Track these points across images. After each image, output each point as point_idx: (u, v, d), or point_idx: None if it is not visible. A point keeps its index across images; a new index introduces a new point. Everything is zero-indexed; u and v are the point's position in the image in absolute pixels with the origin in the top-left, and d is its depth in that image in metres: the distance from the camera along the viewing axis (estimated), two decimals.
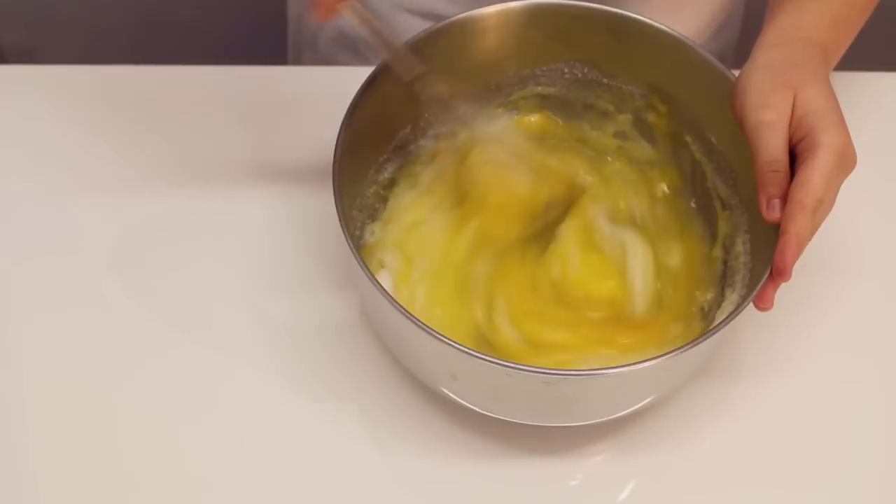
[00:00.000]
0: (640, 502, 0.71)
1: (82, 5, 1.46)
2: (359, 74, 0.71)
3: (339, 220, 0.65)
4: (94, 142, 0.86)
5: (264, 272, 0.79)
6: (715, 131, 0.77)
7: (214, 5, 1.46)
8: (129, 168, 0.84)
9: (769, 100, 0.65)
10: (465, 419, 0.73)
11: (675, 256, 0.77)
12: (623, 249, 0.77)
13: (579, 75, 0.81)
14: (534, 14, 0.76)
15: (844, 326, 0.79)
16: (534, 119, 0.83)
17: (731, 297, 0.73)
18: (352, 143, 0.69)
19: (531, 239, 0.77)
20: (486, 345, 0.72)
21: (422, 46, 0.72)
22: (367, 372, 0.75)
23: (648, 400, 0.69)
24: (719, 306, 0.73)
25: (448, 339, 0.61)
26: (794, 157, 0.65)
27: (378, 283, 0.63)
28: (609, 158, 0.82)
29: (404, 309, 0.62)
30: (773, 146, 0.64)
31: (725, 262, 0.76)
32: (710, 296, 0.75)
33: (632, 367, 0.61)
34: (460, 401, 0.69)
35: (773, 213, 0.63)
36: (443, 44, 0.74)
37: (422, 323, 0.61)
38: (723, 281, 0.75)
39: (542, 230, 0.77)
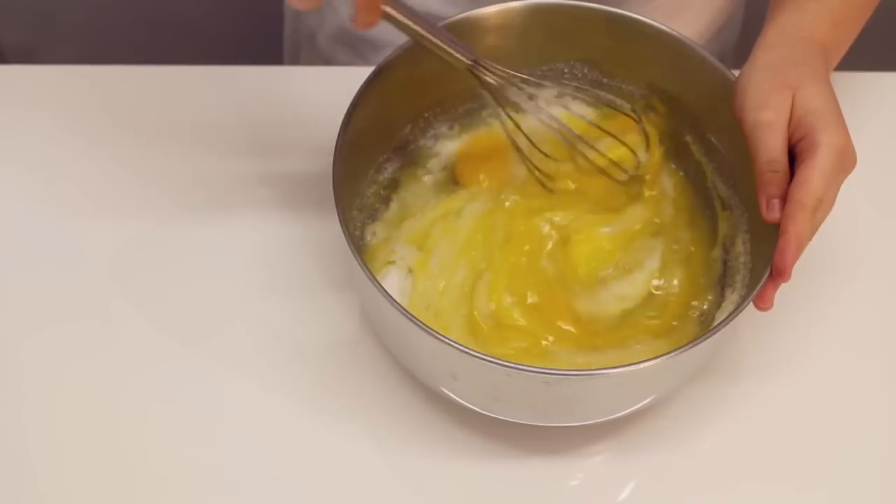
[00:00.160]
0: (640, 502, 0.71)
1: (82, 5, 1.46)
2: (359, 74, 0.71)
3: (340, 221, 0.65)
4: (95, 142, 0.86)
5: (263, 273, 0.79)
6: (715, 131, 0.77)
7: (214, 5, 1.46)
8: (128, 168, 0.84)
9: (768, 100, 0.65)
10: (465, 419, 0.73)
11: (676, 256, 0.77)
12: (635, 250, 0.77)
13: (579, 75, 0.81)
14: (534, 14, 0.76)
15: (844, 326, 0.79)
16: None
17: (731, 298, 0.73)
18: (352, 143, 0.69)
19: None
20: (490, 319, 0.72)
21: (422, 46, 0.72)
22: (367, 372, 0.75)
23: (648, 400, 0.69)
24: (719, 306, 0.73)
25: (448, 339, 0.61)
26: (794, 157, 0.65)
27: (378, 283, 0.63)
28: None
29: (404, 309, 0.62)
30: (771, 146, 0.64)
31: (725, 263, 0.76)
32: (709, 296, 0.75)
33: (632, 367, 0.61)
34: (460, 401, 0.69)
35: (772, 214, 0.64)
36: None
37: (422, 323, 0.61)
38: (723, 281, 0.75)
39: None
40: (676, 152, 0.80)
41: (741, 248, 0.74)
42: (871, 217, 0.84)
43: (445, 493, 0.71)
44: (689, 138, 0.79)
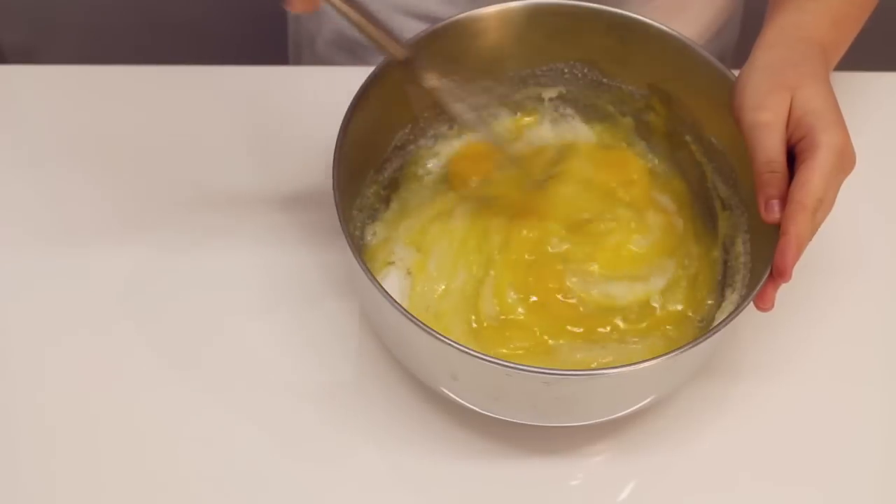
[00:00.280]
0: (640, 502, 0.71)
1: (82, 5, 1.46)
2: (359, 74, 0.71)
3: (340, 221, 0.65)
4: (94, 142, 0.86)
5: (263, 274, 0.79)
6: (715, 131, 0.77)
7: (214, 5, 1.46)
8: (128, 168, 0.84)
9: (766, 100, 0.65)
10: (465, 419, 0.73)
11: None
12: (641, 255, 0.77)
13: (579, 75, 0.81)
14: (534, 14, 0.76)
15: (844, 326, 0.79)
16: (533, 119, 0.83)
17: (732, 298, 0.73)
18: (352, 143, 0.69)
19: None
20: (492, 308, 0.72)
21: (422, 47, 0.72)
22: (367, 372, 0.75)
23: (648, 400, 0.69)
24: (719, 306, 0.73)
25: (448, 339, 0.61)
26: (794, 158, 0.65)
27: (378, 283, 0.63)
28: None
29: (404, 309, 0.62)
30: (769, 147, 0.64)
31: (725, 263, 0.76)
32: (709, 297, 0.75)
33: (632, 367, 0.61)
34: (460, 401, 0.69)
35: (771, 214, 0.64)
36: (443, 44, 0.74)
37: (422, 323, 0.61)
38: (723, 281, 0.75)
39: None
40: (676, 152, 0.80)
41: (741, 248, 0.74)
42: (871, 217, 0.84)
43: (445, 493, 0.71)
44: (688, 138, 0.79)
